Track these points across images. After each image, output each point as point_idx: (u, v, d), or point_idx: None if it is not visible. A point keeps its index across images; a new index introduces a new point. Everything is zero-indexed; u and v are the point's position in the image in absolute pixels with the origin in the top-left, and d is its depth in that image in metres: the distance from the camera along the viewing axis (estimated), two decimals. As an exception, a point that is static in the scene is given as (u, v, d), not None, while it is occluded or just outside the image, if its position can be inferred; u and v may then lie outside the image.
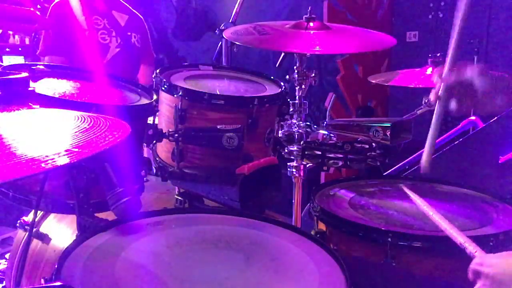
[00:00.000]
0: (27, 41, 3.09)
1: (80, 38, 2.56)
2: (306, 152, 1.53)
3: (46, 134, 0.69)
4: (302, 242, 1.05)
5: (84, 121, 0.74)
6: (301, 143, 1.53)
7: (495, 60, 3.50)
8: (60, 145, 0.60)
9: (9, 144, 0.57)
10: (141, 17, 2.88)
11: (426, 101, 2.00)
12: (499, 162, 2.18)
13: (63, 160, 0.53)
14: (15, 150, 0.54)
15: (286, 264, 0.95)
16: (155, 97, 1.41)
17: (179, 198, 1.51)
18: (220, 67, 1.81)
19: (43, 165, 0.49)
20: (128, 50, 2.70)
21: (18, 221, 1.52)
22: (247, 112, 1.42)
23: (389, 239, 1.21)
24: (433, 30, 3.86)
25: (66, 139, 0.64)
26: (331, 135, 1.63)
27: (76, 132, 0.69)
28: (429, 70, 2.05)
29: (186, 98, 1.39)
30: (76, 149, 0.57)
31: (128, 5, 2.86)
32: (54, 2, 2.65)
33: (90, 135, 0.66)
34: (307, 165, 1.56)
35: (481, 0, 3.59)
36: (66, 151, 0.56)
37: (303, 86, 1.55)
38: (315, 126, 1.62)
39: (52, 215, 1.67)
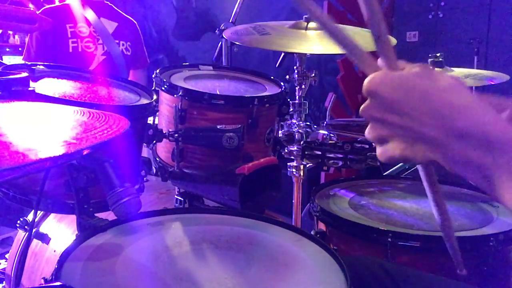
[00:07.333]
0: (27, 41, 3.12)
1: (64, 47, 2.57)
2: (306, 152, 1.53)
3: (44, 126, 0.69)
4: (302, 242, 1.05)
5: (82, 115, 0.74)
6: (301, 143, 1.53)
7: (495, 60, 3.50)
8: (58, 137, 0.59)
9: (5, 135, 0.57)
10: (135, 22, 2.86)
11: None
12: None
13: (61, 151, 0.52)
14: (11, 141, 0.54)
15: (286, 264, 0.95)
16: (155, 97, 1.41)
17: (179, 198, 1.51)
18: (220, 67, 1.81)
19: (39, 155, 0.49)
20: (115, 57, 2.69)
21: (18, 221, 1.51)
22: (247, 112, 1.42)
23: (389, 239, 1.21)
24: (433, 30, 3.86)
25: (64, 131, 0.64)
26: (331, 135, 1.64)
27: (74, 125, 0.68)
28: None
29: (186, 98, 1.39)
30: (74, 141, 0.57)
31: (120, 11, 2.84)
32: (42, 9, 2.65)
33: (89, 128, 0.66)
34: (307, 165, 1.56)
35: (481, 0, 3.59)
36: (64, 142, 0.56)
37: (303, 86, 1.55)
38: (315, 126, 1.62)
39: (52, 215, 1.68)
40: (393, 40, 1.54)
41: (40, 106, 0.85)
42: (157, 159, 1.52)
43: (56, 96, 1.17)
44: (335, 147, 1.52)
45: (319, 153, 1.52)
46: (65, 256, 0.91)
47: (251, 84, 1.64)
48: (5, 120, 0.68)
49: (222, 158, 1.43)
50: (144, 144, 1.40)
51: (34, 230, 1.57)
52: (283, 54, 1.76)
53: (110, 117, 0.72)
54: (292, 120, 1.55)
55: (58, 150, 0.52)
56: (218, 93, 1.48)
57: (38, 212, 1.55)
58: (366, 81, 0.66)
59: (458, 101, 0.61)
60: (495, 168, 0.59)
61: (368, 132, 0.68)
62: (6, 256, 2.25)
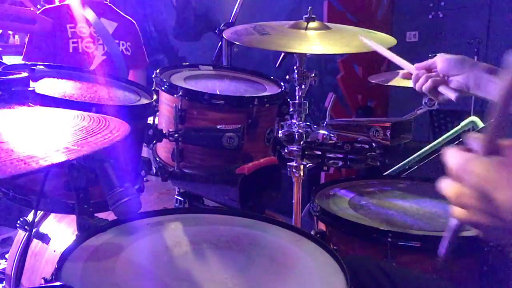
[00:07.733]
0: (27, 41, 3.13)
1: (64, 47, 2.56)
2: (306, 152, 1.53)
3: (45, 132, 0.69)
4: (302, 242, 1.05)
5: (83, 120, 0.74)
6: (301, 143, 1.53)
7: (495, 61, 3.50)
8: (58, 143, 0.59)
9: (7, 142, 0.57)
10: (134, 22, 2.86)
11: (426, 101, 2.01)
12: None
13: (62, 158, 0.52)
14: (13, 148, 0.54)
15: (286, 264, 0.95)
16: (155, 97, 1.41)
17: (179, 198, 1.51)
18: (220, 67, 1.81)
19: (41, 162, 0.49)
20: (115, 58, 2.67)
21: (18, 221, 1.51)
22: (247, 112, 1.42)
23: (389, 239, 1.21)
24: (433, 30, 3.86)
25: (65, 137, 0.64)
26: (331, 135, 1.63)
27: (75, 130, 0.68)
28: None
29: (186, 98, 1.39)
30: (75, 147, 0.57)
31: (120, 12, 2.83)
32: (42, 9, 2.64)
33: (90, 133, 0.66)
34: (307, 165, 1.56)
35: (481, 0, 3.59)
36: (65, 148, 0.56)
37: (303, 86, 1.55)
38: (315, 126, 1.62)
39: (52, 215, 1.68)
40: (393, 40, 1.54)
41: (41, 111, 0.85)
42: (157, 159, 1.52)
43: (56, 96, 1.17)
44: (335, 147, 1.52)
45: (319, 153, 1.52)
46: (65, 256, 0.91)
47: (251, 84, 1.64)
48: (6, 127, 0.68)
49: (222, 158, 1.43)
50: (144, 144, 1.40)
51: (34, 230, 1.57)
52: (283, 54, 1.76)
53: (111, 122, 0.72)
54: (292, 120, 1.55)
55: (59, 157, 0.52)
56: (218, 93, 1.48)
57: (38, 212, 1.55)
58: (456, 162, 0.61)
59: None
60: None
61: (466, 218, 0.63)
62: (6, 256, 2.25)
